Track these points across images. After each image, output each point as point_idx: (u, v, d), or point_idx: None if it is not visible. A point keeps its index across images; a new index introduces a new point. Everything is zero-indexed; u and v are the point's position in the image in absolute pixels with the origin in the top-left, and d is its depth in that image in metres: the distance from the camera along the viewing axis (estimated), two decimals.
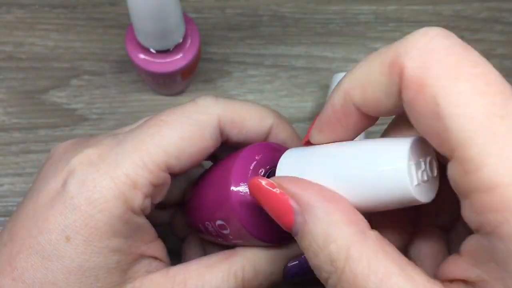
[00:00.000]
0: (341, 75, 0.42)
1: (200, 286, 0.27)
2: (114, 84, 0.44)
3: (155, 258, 0.28)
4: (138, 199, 0.26)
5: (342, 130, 0.23)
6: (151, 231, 0.27)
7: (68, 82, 0.44)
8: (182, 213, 0.34)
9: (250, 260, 0.27)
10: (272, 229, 0.26)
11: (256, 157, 0.27)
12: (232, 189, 0.26)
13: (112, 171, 0.25)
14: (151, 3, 0.35)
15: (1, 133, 0.42)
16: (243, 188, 0.26)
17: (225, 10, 0.46)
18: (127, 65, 0.44)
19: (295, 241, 0.27)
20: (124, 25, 0.45)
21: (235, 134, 0.28)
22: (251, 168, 0.26)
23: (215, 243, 0.30)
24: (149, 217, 0.32)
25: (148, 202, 0.26)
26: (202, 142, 0.27)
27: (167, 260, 0.29)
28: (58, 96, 0.43)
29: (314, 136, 0.24)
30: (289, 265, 0.28)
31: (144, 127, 0.27)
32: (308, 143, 0.25)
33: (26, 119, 0.43)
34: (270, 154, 0.27)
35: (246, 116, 0.28)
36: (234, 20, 0.46)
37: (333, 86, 0.42)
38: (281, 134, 0.29)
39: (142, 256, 0.27)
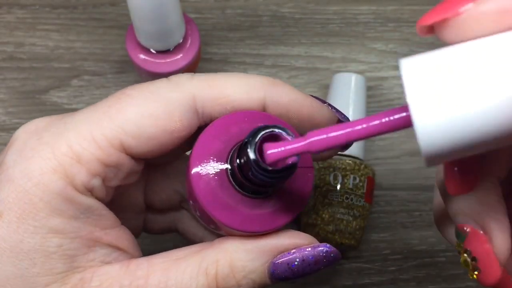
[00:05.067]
0: (341, 75, 0.42)
1: (163, 283, 0.22)
2: (115, 84, 0.44)
3: (117, 248, 0.23)
4: (82, 176, 0.22)
5: None
6: (108, 215, 0.23)
7: (68, 82, 0.44)
8: (188, 216, 0.30)
9: (226, 253, 0.23)
10: (241, 212, 0.22)
11: (229, 128, 0.23)
12: (192, 163, 0.23)
13: (54, 141, 0.22)
14: (151, 3, 0.35)
15: (1, 133, 0.42)
16: (203, 164, 0.22)
17: (225, 10, 0.46)
18: (127, 65, 0.44)
19: (280, 230, 0.23)
20: (124, 25, 0.45)
21: (219, 112, 0.24)
22: (219, 140, 0.23)
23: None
24: (144, 221, 0.29)
25: (97, 182, 0.22)
26: (169, 123, 0.23)
27: (134, 252, 0.24)
28: (59, 96, 0.43)
29: None
30: (275, 261, 0.23)
31: (104, 99, 0.24)
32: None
33: (27, 119, 0.42)
34: (251, 124, 0.23)
35: (229, 90, 0.24)
36: (234, 20, 0.46)
37: (333, 86, 0.42)
38: (280, 103, 0.24)
39: (98, 244, 0.23)
